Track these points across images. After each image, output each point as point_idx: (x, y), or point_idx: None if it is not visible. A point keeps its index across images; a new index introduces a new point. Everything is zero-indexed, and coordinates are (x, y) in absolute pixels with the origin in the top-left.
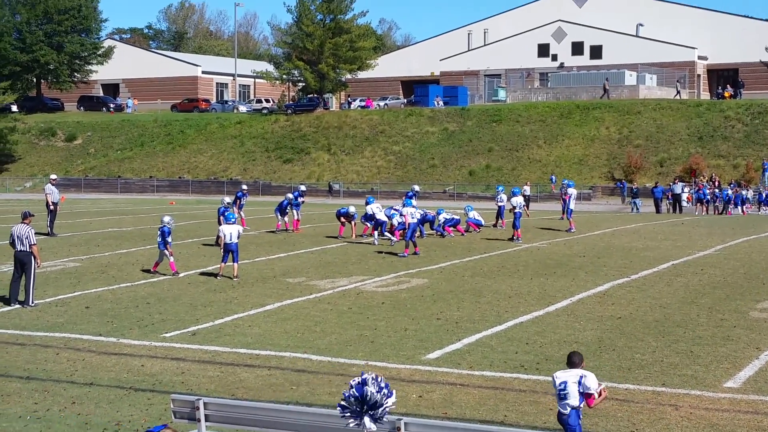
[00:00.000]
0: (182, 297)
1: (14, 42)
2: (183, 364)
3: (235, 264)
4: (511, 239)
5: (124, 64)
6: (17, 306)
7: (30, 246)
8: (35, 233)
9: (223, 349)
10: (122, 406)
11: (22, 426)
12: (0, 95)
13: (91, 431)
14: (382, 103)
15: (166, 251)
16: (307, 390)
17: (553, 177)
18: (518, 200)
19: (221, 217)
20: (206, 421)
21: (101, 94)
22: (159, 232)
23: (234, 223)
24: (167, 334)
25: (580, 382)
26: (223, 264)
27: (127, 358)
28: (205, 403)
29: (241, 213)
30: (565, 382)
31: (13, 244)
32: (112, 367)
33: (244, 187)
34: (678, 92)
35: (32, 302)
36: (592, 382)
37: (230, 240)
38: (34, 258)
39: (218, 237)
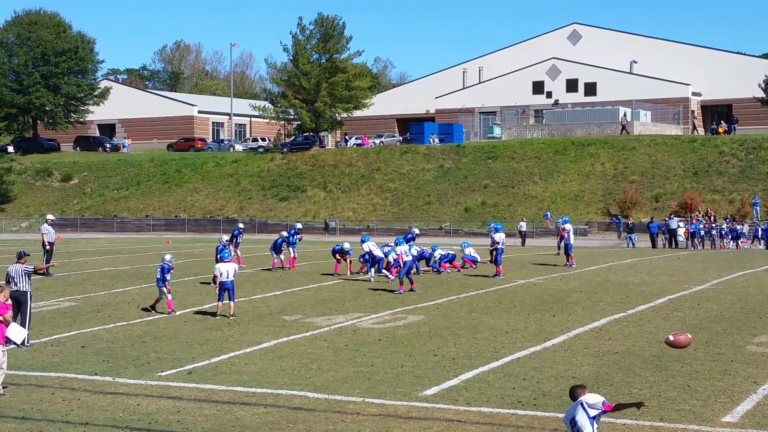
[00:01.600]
0: (178, 335)
1: (11, 84)
2: (179, 403)
3: (232, 302)
4: (495, 276)
5: (121, 104)
6: (12, 346)
7: (28, 276)
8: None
9: (220, 387)
10: None
11: None
12: None
13: None
14: (377, 141)
15: (164, 289)
16: (303, 428)
17: (548, 213)
18: (500, 236)
19: (218, 255)
20: None
21: (97, 134)
22: (159, 269)
23: (229, 261)
24: (163, 372)
25: (583, 408)
26: (220, 303)
27: (123, 397)
28: None
29: (238, 251)
30: (573, 418)
31: (9, 283)
32: (107, 407)
33: (241, 225)
34: (694, 128)
35: (27, 342)
36: (593, 398)
37: (226, 278)
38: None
39: (215, 276)
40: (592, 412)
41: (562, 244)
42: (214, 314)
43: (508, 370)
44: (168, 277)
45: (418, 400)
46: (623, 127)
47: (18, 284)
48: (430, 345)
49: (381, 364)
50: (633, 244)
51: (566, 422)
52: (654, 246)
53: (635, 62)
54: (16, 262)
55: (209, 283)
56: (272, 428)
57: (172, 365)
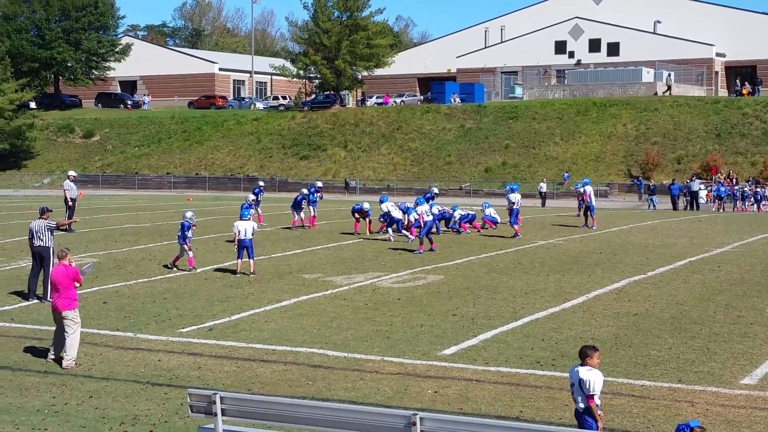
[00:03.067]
0: (199, 292)
1: (33, 38)
2: (199, 359)
3: (251, 260)
4: (513, 237)
5: (142, 61)
6: (35, 301)
7: (51, 231)
8: (55, 228)
9: (240, 344)
10: (139, 401)
11: (40, 419)
12: (19, 92)
13: (108, 425)
14: (398, 100)
15: (185, 246)
16: (323, 385)
17: (566, 174)
18: (516, 197)
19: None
20: (223, 415)
21: (119, 90)
22: (180, 227)
23: (248, 219)
24: (184, 329)
25: (581, 387)
26: (239, 261)
27: (144, 352)
28: (221, 398)
29: (258, 209)
30: (572, 385)
31: (31, 239)
32: (129, 362)
33: (261, 183)
34: (668, 88)
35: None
36: (592, 387)
37: (244, 236)
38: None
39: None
40: (585, 392)
41: (584, 206)
42: (234, 272)
43: (526, 331)
44: (189, 234)
45: (436, 359)
46: (669, 88)
47: (42, 240)
48: (450, 305)
49: (400, 323)
50: (654, 205)
51: (572, 380)
52: (675, 208)
53: (659, 22)
54: (39, 218)
55: (233, 241)
56: (292, 385)
57: (193, 322)
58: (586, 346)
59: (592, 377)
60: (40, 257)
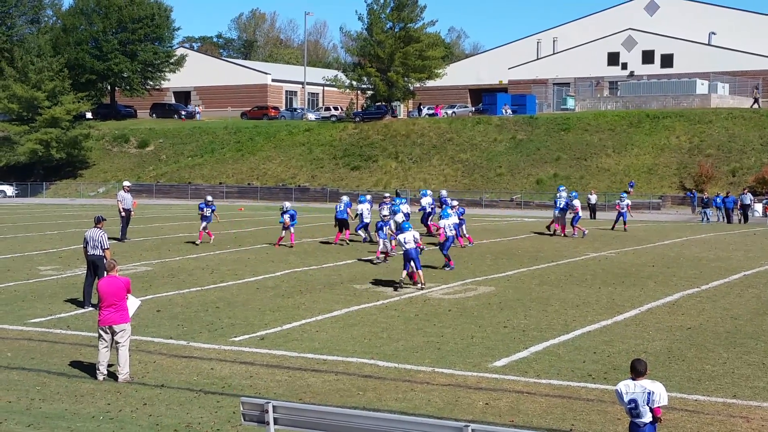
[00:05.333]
0: (251, 302)
1: (90, 50)
2: (251, 368)
3: (419, 271)
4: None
5: (196, 72)
6: (90, 308)
7: (103, 250)
8: (108, 238)
9: (291, 353)
10: (192, 408)
11: (96, 426)
12: (76, 103)
13: None
14: (450, 112)
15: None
16: (373, 396)
17: (632, 183)
18: (578, 203)
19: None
20: (275, 424)
21: (173, 101)
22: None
23: (411, 230)
24: (236, 338)
25: (648, 400)
26: (404, 271)
27: (197, 361)
28: (274, 407)
29: (291, 230)
30: (635, 400)
31: (86, 248)
32: (182, 370)
33: (209, 198)
34: (756, 101)
35: (89, 306)
36: (662, 399)
37: (408, 246)
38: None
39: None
40: (653, 406)
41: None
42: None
43: (578, 343)
44: (286, 217)
45: (487, 371)
46: (755, 100)
47: (96, 248)
48: (501, 316)
49: (451, 334)
50: (708, 218)
51: (624, 398)
52: (729, 221)
53: (714, 33)
54: (94, 227)
55: (341, 244)
56: (342, 395)
57: (245, 331)
58: (641, 360)
59: (660, 389)
60: (94, 266)
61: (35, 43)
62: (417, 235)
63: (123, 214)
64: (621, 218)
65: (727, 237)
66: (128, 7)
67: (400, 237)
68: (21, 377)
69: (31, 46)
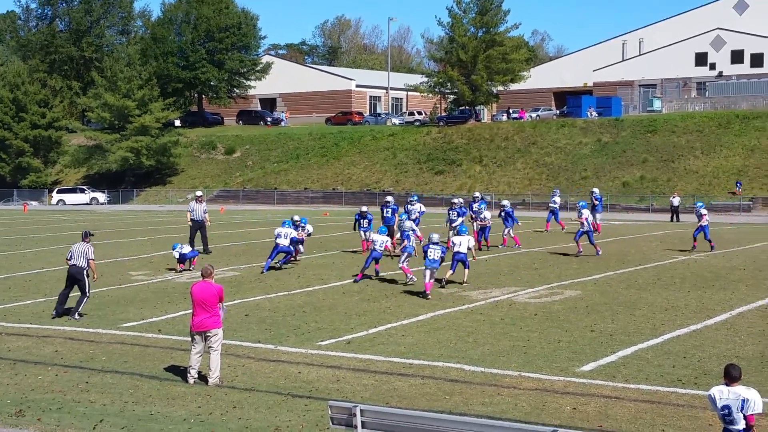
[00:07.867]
0: (337, 306)
1: (178, 60)
2: (338, 372)
3: (466, 270)
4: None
5: (281, 78)
6: (55, 316)
7: (87, 260)
8: (93, 251)
9: (377, 357)
10: (281, 412)
11: (187, 428)
12: (165, 111)
13: None
14: (534, 115)
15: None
16: (460, 400)
17: (739, 183)
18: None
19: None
20: (363, 428)
21: (259, 108)
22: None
23: (465, 233)
24: (323, 342)
25: (743, 407)
26: (451, 271)
27: (285, 365)
28: (362, 410)
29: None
30: (728, 407)
31: (69, 259)
32: (270, 374)
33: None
34: None
35: (77, 315)
36: (756, 407)
37: (459, 249)
38: (90, 274)
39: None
40: (746, 413)
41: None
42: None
43: (667, 348)
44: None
45: (575, 375)
46: None
47: (78, 260)
48: (587, 320)
49: (537, 338)
50: None
51: (717, 404)
52: None
53: None
54: (81, 241)
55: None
56: (429, 399)
57: (332, 335)
58: (735, 365)
59: (755, 396)
60: (74, 278)
61: (125, 53)
62: (472, 243)
63: (189, 223)
64: (702, 232)
65: None
66: (216, 17)
67: (455, 239)
68: (115, 380)
69: (121, 56)
